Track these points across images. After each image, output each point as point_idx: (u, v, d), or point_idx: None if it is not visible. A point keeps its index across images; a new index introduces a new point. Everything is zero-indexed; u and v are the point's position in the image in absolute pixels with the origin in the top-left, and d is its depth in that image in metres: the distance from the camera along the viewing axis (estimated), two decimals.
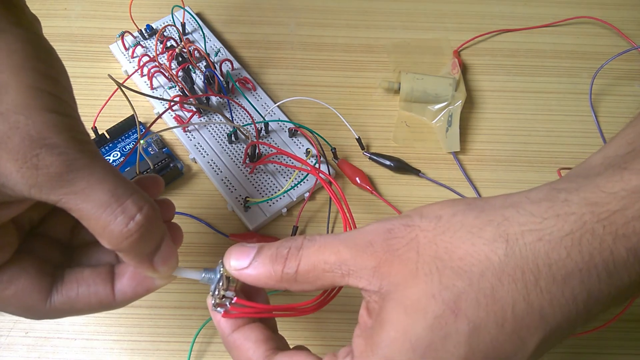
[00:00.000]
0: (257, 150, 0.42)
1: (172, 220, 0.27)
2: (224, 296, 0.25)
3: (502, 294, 0.20)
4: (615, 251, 0.20)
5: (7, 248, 0.23)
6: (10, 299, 0.23)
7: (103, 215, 0.20)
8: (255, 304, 0.25)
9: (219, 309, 0.25)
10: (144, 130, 0.44)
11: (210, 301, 0.25)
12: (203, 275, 0.25)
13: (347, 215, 0.28)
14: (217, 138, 0.44)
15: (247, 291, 0.26)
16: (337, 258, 0.22)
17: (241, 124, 0.44)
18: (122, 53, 0.48)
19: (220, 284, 0.24)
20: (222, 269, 0.25)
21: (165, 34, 0.49)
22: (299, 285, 0.23)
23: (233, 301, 0.24)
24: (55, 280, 0.24)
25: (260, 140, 0.43)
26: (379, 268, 0.22)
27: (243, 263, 0.24)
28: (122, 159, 0.43)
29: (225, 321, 0.25)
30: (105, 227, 0.21)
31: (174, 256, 0.24)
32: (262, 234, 0.40)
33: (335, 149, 0.43)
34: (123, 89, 0.38)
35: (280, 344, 0.25)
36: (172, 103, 0.44)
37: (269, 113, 0.45)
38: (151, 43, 0.49)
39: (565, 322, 0.20)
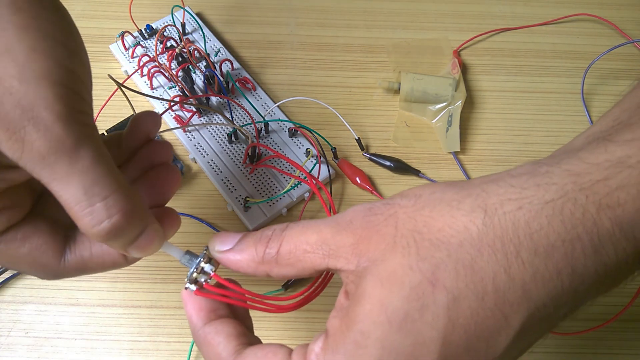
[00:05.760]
0: (257, 151, 0.42)
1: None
2: (202, 270, 0.24)
3: (482, 264, 0.19)
4: (599, 222, 0.19)
5: (20, 208, 0.23)
6: (26, 257, 0.23)
7: (75, 208, 0.20)
8: (232, 285, 0.24)
9: (192, 286, 0.24)
10: None
11: (184, 287, 0.24)
12: (184, 255, 0.25)
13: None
14: (217, 138, 0.44)
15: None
16: (318, 237, 0.22)
17: (241, 124, 0.44)
18: (122, 53, 0.48)
19: (201, 262, 0.24)
20: (205, 252, 0.24)
21: (165, 34, 0.49)
22: (280, 268, 0.23)
23: (211, 275, 0.24)
24: (68, 240, 0.24)
25: (260, 142, 0.43)
26: (358, 245, 0.21)
27: (227, 246, 0.24)
28: None
29: (197, 314, 0.24)
30: (76, 219, 0.20)
31: (153, 244, 0.23)
32: None
33: (335, 148, 0.43)
34: (123, 89, 0.38)
35: (253, 341, 0.24)
36: (172, 103, 0.44)
37: (269, 113, 0.45)
38: (151, 43, 0.49)
39: (550, 300, 0.20)
